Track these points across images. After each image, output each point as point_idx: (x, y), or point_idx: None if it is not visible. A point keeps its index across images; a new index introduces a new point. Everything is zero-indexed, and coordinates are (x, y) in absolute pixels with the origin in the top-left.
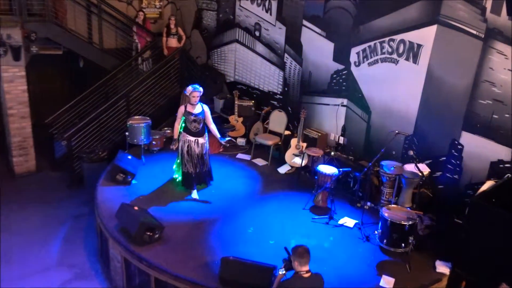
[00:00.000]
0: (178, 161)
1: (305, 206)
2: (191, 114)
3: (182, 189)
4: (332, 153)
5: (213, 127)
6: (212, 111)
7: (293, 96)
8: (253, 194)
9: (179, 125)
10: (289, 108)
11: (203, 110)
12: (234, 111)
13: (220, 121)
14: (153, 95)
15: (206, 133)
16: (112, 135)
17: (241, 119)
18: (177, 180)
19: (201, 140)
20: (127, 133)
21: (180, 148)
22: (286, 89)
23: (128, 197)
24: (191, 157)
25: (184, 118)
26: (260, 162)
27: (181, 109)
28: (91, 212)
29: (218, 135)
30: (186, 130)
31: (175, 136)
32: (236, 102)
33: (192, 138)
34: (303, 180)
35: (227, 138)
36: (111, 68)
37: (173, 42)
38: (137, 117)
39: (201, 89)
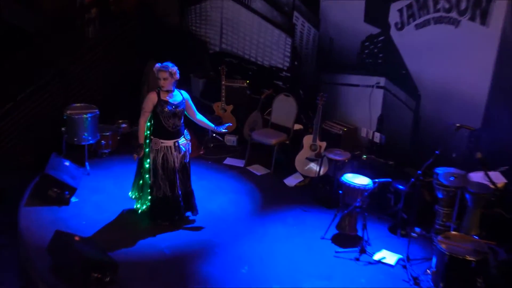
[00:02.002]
0: (141, 182)
1: (324, 234)
2: (168, 104)
3: (146, 223)
4: (364, 156)
5: (200, 118)
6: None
7: (306, 74)
8: (248, 216)
9: (144, 123)
10: (301, 92)
11: (183, 98)
12: (220, 96)
13: (199, 111)
14: (101, 73)
15: (186, 131)
16: (40, 131)
17: (230, 107)
18: (140, 211)
19: (182, 141)
20: (63, 129)
21: (150, 162)
22: (296, 63)
23: (65, 222)
24: (168, 172)
25: (152, 112)
26: (258, 170)
27: (152, 97)
28: (10, 244)
29: (210, 125)
30: (159, 131)
31: (141, 140)
32: (223, 82)
33: (170, 142)
34: (322, 197)
35: (226, 125)
36: (37, 30)
37: None
38: (79, 104)
39: (173, 68)
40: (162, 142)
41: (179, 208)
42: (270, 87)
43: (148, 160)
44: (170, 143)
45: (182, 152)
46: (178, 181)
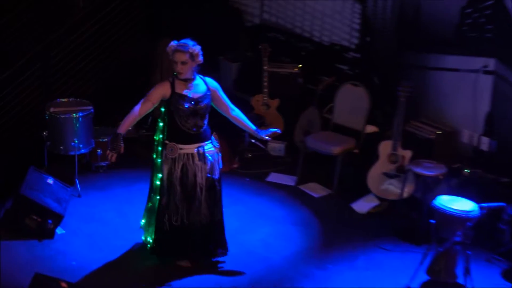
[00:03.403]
0: (150, 204)
1: (410, 283)
2: (185, 99)
3: (156, 262)
4: (467, 170)
5: (237, 114)
6: None
7: (383, 55)
8: (301, 257)
9: (139, 114)
10: (375, 79)
11: (208, 89)
12: (261, 87)
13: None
14: (96, 56)
15: (214, 136)
16: (13, 136)
17: (275, 102)
18: (150, 246)
19: (209, 148)
20: (45, 133)
21: (164, 176)
22: (368, 39)
23: (48, 261)
24: (188, 190)
25: (165, 108)
26: (315, 190)
27: (163, 87)
28: None
29: (251, 127)
30: (176, 134)
31: (121, 129)
32: (265, 68)
33: (192, 148)
34: (405, 228)
35: (273, 130)
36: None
37: None
38: (66, 100)
39: (194, 48)
40: (181, 148)
41: (203, 242)
42: (331, 73)
43: (160, 175)
44: (192, 149)
45: (209, 164)
46: (202, 204)
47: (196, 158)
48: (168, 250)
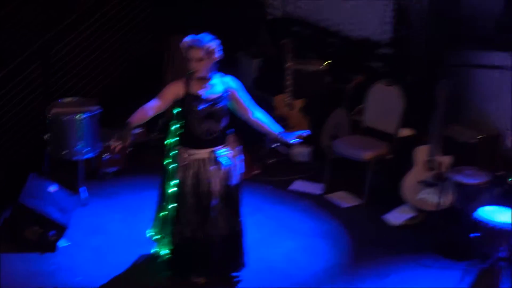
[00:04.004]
0: (162, 214)
1: None
2: (200, 100)
3: (168, 277)
4: None
5: (258, 117)
6: None
7: (419, 51)
8: (329, 273)
9: (150, 112)
10: (410, 78)
11: (226, 89)
12: (284, 86)
13: None
14: (102, 52)
15: (236, 139)
16: (11, 140)
17: (300, 102)
18: (162, 258)
19: (224, 151)
20: (46, 136)
21: (179, 180)
22: (402, 33)
23: (51, 276)
24: (201, 200)
25: (178, 110)
26: (344, 200)
27: (176, 87)
28: None
29: (274, 131)
30: (188, 138)
31: (132, 121)
32: (289, 64)
33: (204, 153)
34: (444, 242)
35: (299, 132)
36: None
37: None
38: (70, 99)
39: (210, 43)
40: (191, 154)
41: (219, 256)
42: (361, 71)
43: (173, 183)
44: (204, 153)
45: (224, 169)
46: (218, 215)
47: (209, 164)
48: (182, 265)
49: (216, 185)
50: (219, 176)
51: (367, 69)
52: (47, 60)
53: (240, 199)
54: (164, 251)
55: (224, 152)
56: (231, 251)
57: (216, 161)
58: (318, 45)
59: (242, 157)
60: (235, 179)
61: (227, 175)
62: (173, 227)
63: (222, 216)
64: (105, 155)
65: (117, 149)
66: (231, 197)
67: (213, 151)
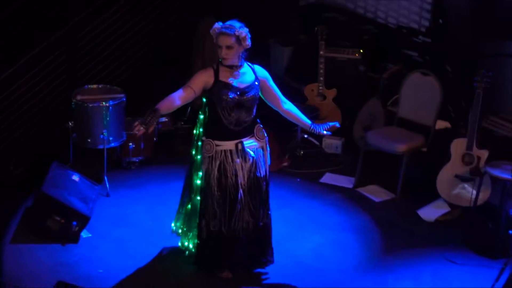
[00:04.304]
0: (189, 206)
1: None
2: (230, 90)
3: (193, 271)
4: None
5: (289, 108)
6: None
7: (458, 40)
8: (358, 270)
9: (179, 100)
10: (448, 68)
11: (256, 78)
12: (316, 75)
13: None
14: (128, 37)
15: (263, 130)
16: (35, 127)
17: (332, 92)
18: (187, 251)
19: (251, 143)
20: (70, 124)
21: (202, 176)
22: (441, 22)
23: (72, 268)
24: (227, 193)
25: (207, 98)
26: (376, 194)
27: (206, 74)
28: None
29: (306, 122)
30: (215, 129)
31: (161, 107)
32: (321, 53)
33: (230, 144)
34: (480, 239)
35: (331, 124)
36: None
37: None
38: (95, 86)
39: (241, 30)
40: (217, 145)
41: (245, 251)
42: (397, 60)
43: (200, 174)
44: (230, 145)
45: (251, 160)
46: (244, 209)
47: (236, 156)
48: (207, 259)
49: (241, 177)
50: (246, 168)
51: (403, 58)
52: (73, 45)
53: (268, 192)
54: (189, 245)
55: (251, 143)
56: (258, 245)
57: (243, 153)
58: (353, 32)
59: (269, 148)
60: (262, 171)
61: (254, 167)
62: (198, 220)
63: (248, 211)
64: (130, 144)
65: (139, 133)
66: (259, 189)
67: (240, 142)
